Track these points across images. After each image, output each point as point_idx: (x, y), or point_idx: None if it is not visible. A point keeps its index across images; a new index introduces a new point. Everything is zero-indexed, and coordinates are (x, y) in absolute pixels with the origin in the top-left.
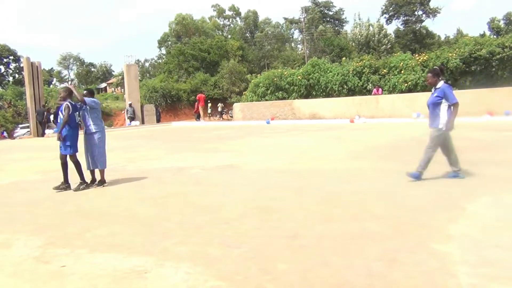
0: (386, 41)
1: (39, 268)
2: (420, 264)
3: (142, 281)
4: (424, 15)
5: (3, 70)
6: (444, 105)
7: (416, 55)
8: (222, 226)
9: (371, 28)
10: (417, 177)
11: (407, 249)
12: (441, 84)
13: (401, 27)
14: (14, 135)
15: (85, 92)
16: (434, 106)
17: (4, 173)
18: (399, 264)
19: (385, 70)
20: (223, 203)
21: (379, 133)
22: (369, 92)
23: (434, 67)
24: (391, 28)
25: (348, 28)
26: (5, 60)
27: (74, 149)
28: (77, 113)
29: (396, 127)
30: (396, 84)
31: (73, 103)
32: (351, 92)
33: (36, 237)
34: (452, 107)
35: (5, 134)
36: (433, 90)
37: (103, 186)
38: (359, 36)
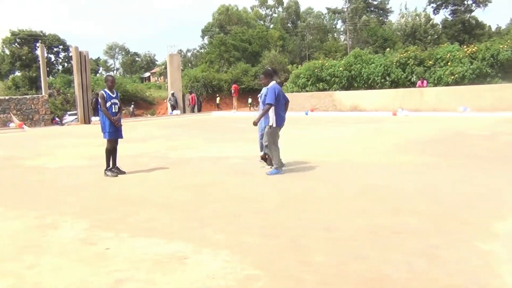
0: (433, 32)
1: (85, 250)
2: (462, 262)
3: (182, 266)
4: (474, 4)
5: (53, 59)
6: (266, 105)
7: (464, 47)
8: (259, 216)
9: (417, 18)
10: (277, 172)
11: (450, 246)
12: (271, 84)
13: (449, 17)
14: (63, 122)
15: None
16: (263, 104)
17: (53, 158)
18: (440, 261)
19: (430, 62)
20: (260, 193)
21: (422, 127)
22: (413, 85)
23: (267, 68)
24: (439, 18)
25: (393, 18)
26: (55, 49)
27: (108, 135)
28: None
29: (441, 121)
30: (442, 76)
31: (107, 92)
32: (394, 84)
33: (81, 220)
34: (266, 105)
35: (57, 119)
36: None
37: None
38: (405, 26)
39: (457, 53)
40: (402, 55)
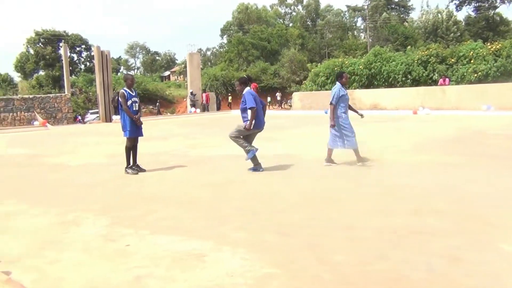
0: (455, 29)
1: (106, 246)
2: (485, 264)
3: (200, 263)
4: (498, 0)
5: (75, 58)
6: (249, 110)
7: (488, 44)
8: (279, 214)
9: (439, 15)
10: (253, 154)
11: (472, 247)
12: (245, 91)
13: (473, 14)
14: (85, 120)
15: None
16: (242, 111)
17: (75, 156)
18: (462, 263)
19: (453, 60)
20: (280, 191)
21: (443, 126)
22: (434, 83)
23: (242, 76)
24: (461, 15)
25: (414, 15)
26: (77, 49)
27: (129, 133)
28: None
29: (463, 120)
30: (465, 74)
31: (127, 91)
32: (415, 82)
33: (103, 217)
34: (250, 110)
35: (79, 118)
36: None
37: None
38: (426, 24)
39: (481, 50)
40: (423, 53)
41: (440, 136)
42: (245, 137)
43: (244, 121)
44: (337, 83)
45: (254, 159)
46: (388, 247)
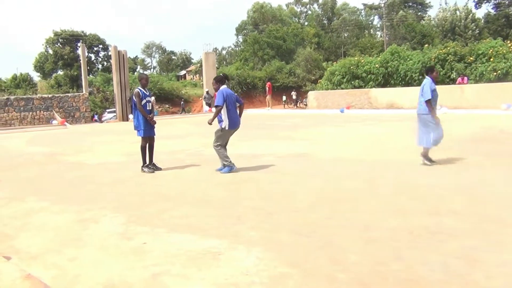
0: (474, 27)
1: (123, 244)
2: (504, 265)
3: (215, 262)
4: None
5: (93, 58)
6: (224, 108)
7: (508, 42)
8: (293, 214)
9: (457, 12)
10: (231, 169)
11: (490, 248)
12: (221, 88)
13: (492, 11)
14: (102, 119)
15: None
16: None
17: (92, 154)
18: (480, 264)
19: (471, 58)
20: (295, 191)
21: (461, 125)
22: (452, 81)
23: (219, 74)
24: (480, 13)
25: (432, 13)
26: (95, 48)
27: (143, 132)
28: (145, 99)
29: (482, 119)
30: (484, 73)
31: (142, 91)
32: None
33: (120, 215)
34: (215, 108)
35: (96, 117)
36: None
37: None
38: (444, 22)
39: (500, 48)
40: (441, 51)
41: (458, 135)
42: (223, 139)
43: (218, 118)
44: (428, 77)
45: (225, 158)
46: (404, 247)
